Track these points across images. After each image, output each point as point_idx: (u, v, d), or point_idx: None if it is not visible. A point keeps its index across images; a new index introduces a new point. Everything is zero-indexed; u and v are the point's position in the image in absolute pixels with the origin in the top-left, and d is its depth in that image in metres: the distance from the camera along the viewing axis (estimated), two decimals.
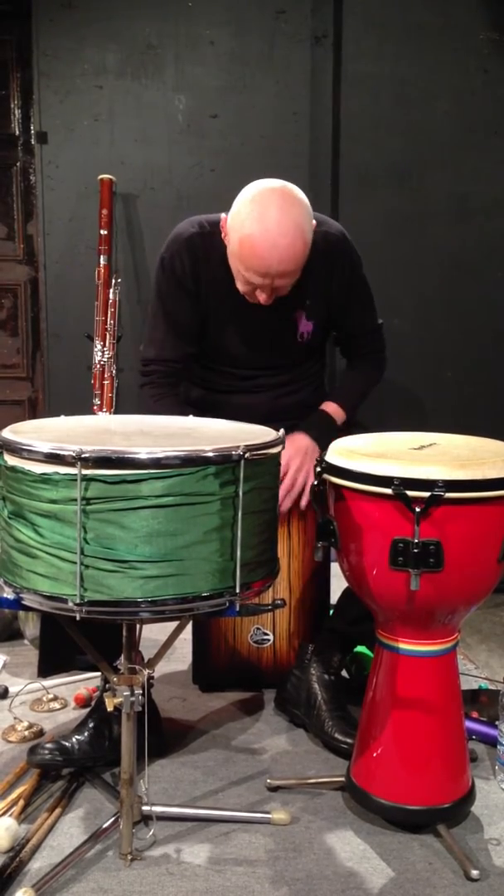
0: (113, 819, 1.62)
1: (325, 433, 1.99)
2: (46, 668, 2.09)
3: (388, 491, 1.46)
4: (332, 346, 2.29)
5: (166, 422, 1.72)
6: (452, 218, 3.25)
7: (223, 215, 1.95)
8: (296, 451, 1.99)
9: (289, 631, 2.17)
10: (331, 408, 2.12)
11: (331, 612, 2.18)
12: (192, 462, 1.33)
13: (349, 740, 1.85)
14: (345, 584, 1.88)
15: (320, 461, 1.62)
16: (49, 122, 3.22)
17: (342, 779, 1.75)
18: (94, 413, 3.11)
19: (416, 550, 1.47)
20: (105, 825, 1.62)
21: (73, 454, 1.29)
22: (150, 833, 1.61)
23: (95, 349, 3.13)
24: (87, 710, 1.92)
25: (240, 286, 1.94)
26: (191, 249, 2.01)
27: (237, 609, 1.41)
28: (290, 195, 1.86)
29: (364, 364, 2.24)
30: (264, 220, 1.82)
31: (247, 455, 1.37)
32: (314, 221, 1.91)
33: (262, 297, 1.91)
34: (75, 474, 1.30)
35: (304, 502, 2.01)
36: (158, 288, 2.07)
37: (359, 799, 1.68)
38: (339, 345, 2.27)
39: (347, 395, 2.17)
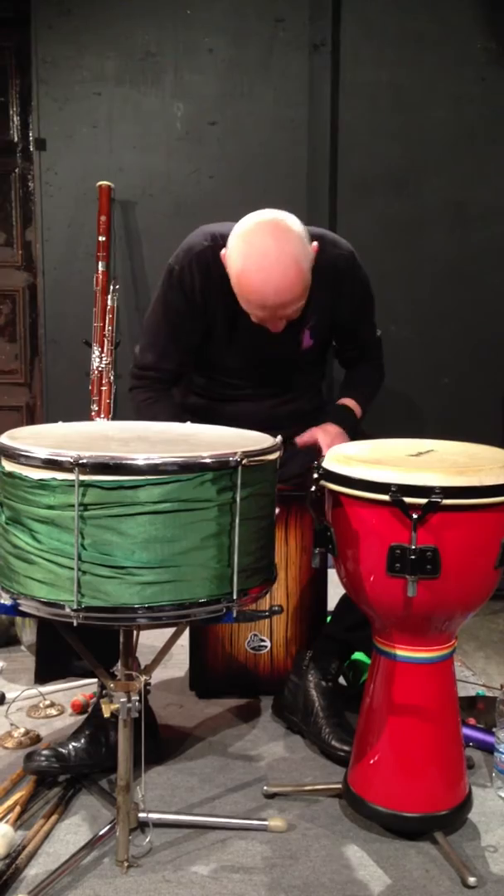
0: (109, 826, 1.62)
1: (350, 424, 2.01)
2: (43, 675, 2.08)
3: (386, 497, 1.46)
4: (330, 355, 2.29)
5: (164, 428, 1.72)
6: (450, 225, 3.26)
7: (225, 249, 1.93)
8: (323, 429, 2.00)
9: (286, 637, 2.16)
10: (349, 402, 2.12)
11: (328, 618, 2.18)
12: (189, 468, 1.33)
13: (346, 748, 1.85)
14: (342, 591, 1.88)
15: (317, 467, 1.63)
16: (48, 128, 3.23)
17: (339, 786, 1.75)
18: (91, 419, 3.11)
19: (413, 557, 1.47)
20: (101, 832, 1.61)
21: (71, 460, 1.29)
22: (147, 840, 1.61)
23: (93, 355, 3.13)
24: (84, 716, 1.93)
25: (251, 317, 1.93)
26: (201, 263, 1.99)
27: (234, 615, 1.41)
28: (281, 225, 1.84)
29: (365, 368, 2.25)
30: (256, 255, 1.81)
31: (244, 461, 1.37)
32: (312, 250, 1.88)
33: (271, 327, 1.92)
34: (73, 480, 1.30)
35: None
36: (164, 296, 2.04)
37: (356, 806, 1.67)
38: (338, 356, 2.27)
39: (358, 393, 2.17)
